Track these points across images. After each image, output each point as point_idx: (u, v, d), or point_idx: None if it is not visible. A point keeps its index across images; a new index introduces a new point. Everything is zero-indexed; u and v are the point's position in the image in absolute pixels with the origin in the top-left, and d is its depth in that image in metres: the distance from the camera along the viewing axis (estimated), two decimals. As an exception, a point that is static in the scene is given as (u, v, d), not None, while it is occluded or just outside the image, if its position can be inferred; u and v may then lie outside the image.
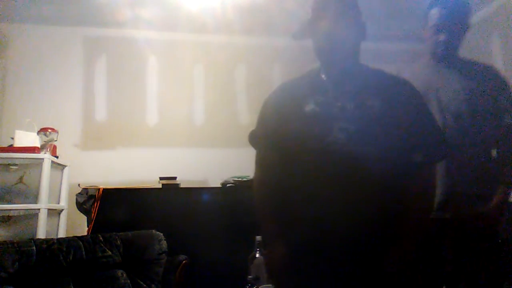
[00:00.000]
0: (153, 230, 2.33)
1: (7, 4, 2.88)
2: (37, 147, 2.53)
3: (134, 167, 3.09)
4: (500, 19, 3.02)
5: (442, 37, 1.55)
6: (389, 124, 1.07)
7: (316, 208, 1.05)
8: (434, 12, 1.58)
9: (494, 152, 1.56)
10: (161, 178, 2.78)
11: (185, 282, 2.18)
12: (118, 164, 3.10)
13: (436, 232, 1.49)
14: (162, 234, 2.32)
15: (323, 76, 1.19)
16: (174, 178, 2.78)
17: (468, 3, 1.60)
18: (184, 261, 2.20)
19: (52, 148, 2.65)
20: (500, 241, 1.67)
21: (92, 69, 3.22)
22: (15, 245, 2.02)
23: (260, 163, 1.25)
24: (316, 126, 1.09)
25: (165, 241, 2.30)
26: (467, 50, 3.50)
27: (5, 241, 2.06)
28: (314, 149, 1.07)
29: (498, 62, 3.02)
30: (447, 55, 1.59)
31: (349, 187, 1.03)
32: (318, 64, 1.21)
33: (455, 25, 1.55)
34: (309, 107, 1.12)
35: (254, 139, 1.27)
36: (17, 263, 1.96)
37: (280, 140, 1.16)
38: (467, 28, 1.59)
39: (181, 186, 2.77)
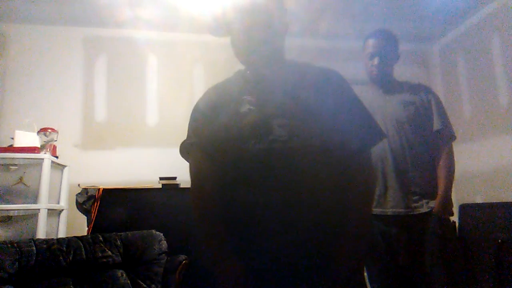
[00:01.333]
0: (153, 230, 2.33)
1: (7, 4, 2.88)
2: (37, 147, 2.53)
3: (134, 167, 3.09)
4: (500, 19, 3.02)
5: (375, 61, 1.87)
6: (325, 115, 1.06)
7: (265, 209, 1.01)
8: (370, 42, 1.90)
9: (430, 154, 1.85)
10: (161, 178, 2.78)
11: (185, 282, 2.18)
12: (118, 164, 3.10)
13: (393, 228, 1.73)
14: (162, 234, 2.32)
15: (250, 75, 1.17)
16: (174, 178, 2.78)
17: (396, 37, 1.92)
18: (184, 261, 2.20)
19: (52, 148, 2.65)
20: (500, 241, 1.69)
21: (92, 69, 3.22)
22: (15, 245, 2.02)
23: (198, 174, 1.16)
24: (255, 125, 1.06)
25: (165, 241, 2.30)
26: (468, 50, 3.51)
27: (5, 241, 2.06)
28: (257, 149, 1.03)
29: (498, 62, 3.02)
30: (380, 77, 1.90)
31: (297, 183, 1.01)
32: (242, 65, 1.19)
33: (386, 53, 1.88)
34: (244, 107, 1.09)
35: (187, 150, 1.19)
36: (17, 263, 1.96)
37: (218, 146, 1.10)
38: (397, 56, 1.94)
39: (181, 186, 2.77)
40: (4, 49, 3.08)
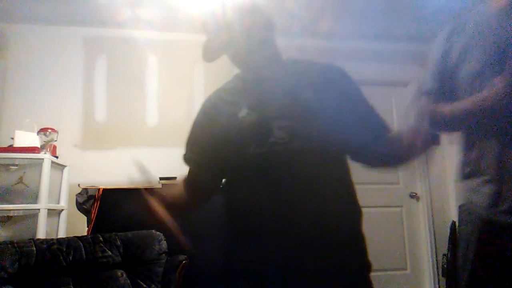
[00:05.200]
0: (153, 230, 2.33)
1: (7, 4, 2.88)
2: (37, 147, 2.53)
3: (134, 167, 3.08)
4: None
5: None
6: (326, 114, 1.04)
7: (267, 213, 1.00)
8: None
9: None
10: (161, 178, 2.78)
11: (185, 282, 2.18)
12: (118, 164, 3.09)
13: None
14: (162, 234, 2.32)
15: (249, 78, 1.16)
16: (174, 178, 2.77)
17: None
18: (184, 261, 2.20)
19: (52, 148, 2.65)
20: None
21: (92, 69, 3.22)
22: (15, 245, 2.02)
23: (194, 187, 1.21)
24: (255, 129, 1.04)
25: (165, 241, 2.30)
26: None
27: (5, 241, 2.06)
28: (257, 153, 1.02)
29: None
30: None
31: (298, 186, 1.00)
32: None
33: None
34: (243, 111, 1.07)
35: (186, 162, 1.21)
36: (17, 263, 1.96)
37: (216, 155, 1.11)
38: None
39: (181, 186, 2.76)
40: (4, 49, 3.07)
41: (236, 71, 1.23)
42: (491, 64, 1.13)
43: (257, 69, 1.14)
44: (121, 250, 2.21)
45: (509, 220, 1.15)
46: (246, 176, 1.05)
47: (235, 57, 1.15)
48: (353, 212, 1.06)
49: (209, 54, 1.19)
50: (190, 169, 1.20)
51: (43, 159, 2.47)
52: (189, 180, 1.20)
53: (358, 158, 1.12)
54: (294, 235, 0.98)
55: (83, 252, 2.12)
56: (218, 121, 1.11)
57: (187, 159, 1.20)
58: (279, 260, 0.99)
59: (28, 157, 2.45)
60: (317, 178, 1.01)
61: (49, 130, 2.67)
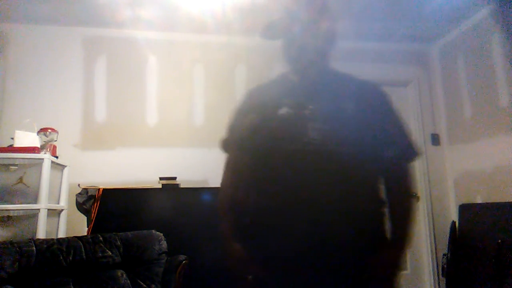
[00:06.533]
0: (153, 230, 2.33)
1: (7, 4, 2.88)
2: (37, 147, 2.53)
3: (134, 167, 3.09)
4: (500, 19, 3.01)
5: None
6: (362, 125, 1.10)
7: (292, 207, 1.04)
8: None
9: None
10: (161, 178, 2.78)
11: (185, 282, 2.18)
12: (118, 164, 3.10)
13: None
14: (162, 234, 2.32)
15: (293, 79, 1.21)
16: (174, 178, 2.78)
17: None
18: (184, 261, 2.20)
19: (52, 148, 2.65)
20: (500, 241, 1.67)
21: (92, 69, 3.22)
22: (15, 245, 2.02)
23: (232, 167, 1.26)
24: (292, 127, 1.10)
25: (165, 241, 2.30)
26: (468, 50, 3.50)
27: (5, 241, 2.06)
28: (290, 149, 1.08)
29: (498, 62, 3.02)
30: None
31: (325, 185, 1.04)
32: (288, 68, 1.23)
33: None
34: (283, 110, 1.13)
35: (227, 146, 1.28)
36: (17, 263, 1.96)
37: (255, 144, 1.15)
38: None
39: (181, 186, 2.77)
40: (4, 49, 3.07)
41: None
42: None
43: (306, 71, 1.19)
44: (121, 250, 2.21)
45: None
46: (275, 169, 1.10)
47: (292, 53, 1.20)
48: (382, 215, 1.10)
49: (269, 33, 1.24)
50: (229, 151, 1.27)
51: (43, 159, 2.47)
52: (229, 162, 1.27)
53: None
54: (315, 231, 1.01)
55: (83, 252, 2.12)
56: (259, 114, 1.17)
57: (226, 140, 1.27)
58: (305, 259, 1.01)
59: (28, 157, 2.45)
60: (344, 181, 1.05)
61: (49, 130, 2.67)
